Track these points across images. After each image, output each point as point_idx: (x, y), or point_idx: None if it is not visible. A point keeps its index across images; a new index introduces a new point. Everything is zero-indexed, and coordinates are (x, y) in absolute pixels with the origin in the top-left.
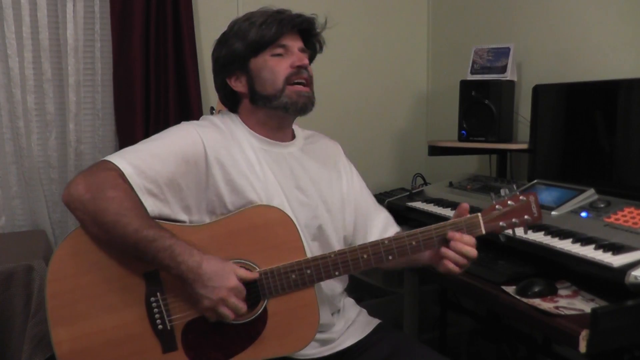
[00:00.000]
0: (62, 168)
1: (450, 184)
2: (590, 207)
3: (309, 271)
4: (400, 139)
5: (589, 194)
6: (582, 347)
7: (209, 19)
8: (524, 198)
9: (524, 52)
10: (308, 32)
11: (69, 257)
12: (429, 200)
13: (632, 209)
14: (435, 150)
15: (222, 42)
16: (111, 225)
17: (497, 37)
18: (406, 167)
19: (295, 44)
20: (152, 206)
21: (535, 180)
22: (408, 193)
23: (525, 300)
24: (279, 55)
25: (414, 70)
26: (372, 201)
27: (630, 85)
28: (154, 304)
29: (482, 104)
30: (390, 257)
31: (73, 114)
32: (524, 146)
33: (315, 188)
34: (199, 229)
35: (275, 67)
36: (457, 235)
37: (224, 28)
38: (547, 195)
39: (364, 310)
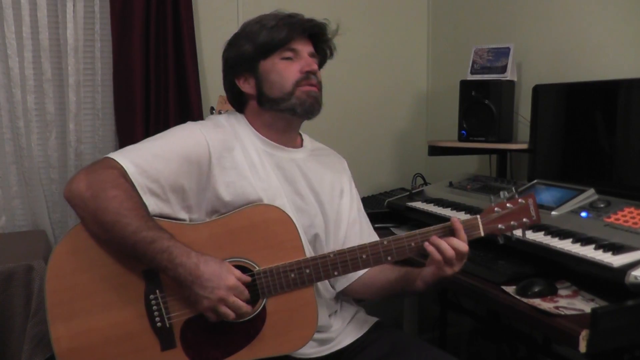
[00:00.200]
0: (62, 168)
1: (450, 184)
2: (590, 207)
3: (308, 270)
4: (400, 139)
5: (589, 194)
6: (582, 347)
7: (209, 19)
8: (523, 200)
9: (524, 52)
10: (318, 37)
11: (68, 254)
12: (429, 200)
13: (632, 209)
14: (435, 150)
15: (233, 43)
16: (110, 224)
17: (497, 37)
18: (406, 167)
19: (305, 48)
20: (153, 205)
21: (535, 180)
22: (408, 193)
23: (525, 300)
24: (288, 59)
25: (414, 70)
26: (367, 225)
27: (630, 85)
28: (153, 302)
29: (482, 104)
30: (389, 258)
31: (73, 114)
32: (524, 146)
33: (315, 197)
34: (199, 228)
35: (284, 70)
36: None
37: (224, 28)
38: (547, 195)
39: (362, 309)
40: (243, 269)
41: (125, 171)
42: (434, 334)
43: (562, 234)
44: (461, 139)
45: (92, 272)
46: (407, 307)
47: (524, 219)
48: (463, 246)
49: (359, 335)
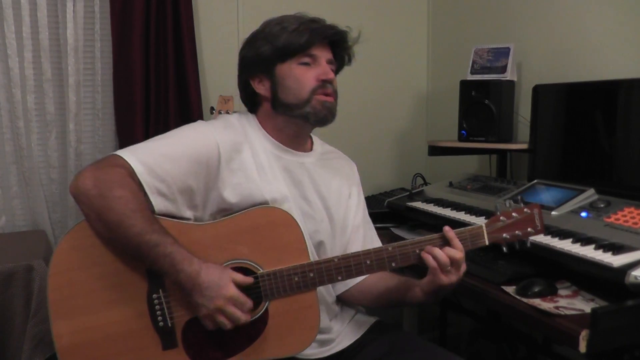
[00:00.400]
0: (62, 168)
1: (450, 184)
2: (590, 207)
3: (311, 274)
4: (400, 139)
5: (589, 194)
6: (582, 347)
7: (209, 19)
8: (528, 210)
9: (524, 52)
10: (338, 44)
11: (71, 251)
12: (429, 200)
13: (632, 209)
14: (435, 150)
15: (251, 41)
16: (115, 224)
17: (497, 37)
18: (406, 167)
19: (324, 54)
20: (159, 205)
21: (535, 180)
22: (408, 193)
23: (525, 300)
24: (305, 64)
25: (414, 70)
26: (371, 232)
27: (630, 85)
28: (156, 301)
29: (482, 104)
30: (393, 264)
31: (73, 114)
32: (524, 146)
33: (322, 203)
34: (203, 228)
35: (301, 76)
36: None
37: (224, 28)
38: (547, 195)
39: (362, 309)
40: (246, 270)
41: (132, 170)
42: (434, 334)
43: (562, 234)
44: (461, 139)
45: (95, 270)
46: (407, 307)
47: (529, 229)
48: (456, 253)
49: (359, 336)
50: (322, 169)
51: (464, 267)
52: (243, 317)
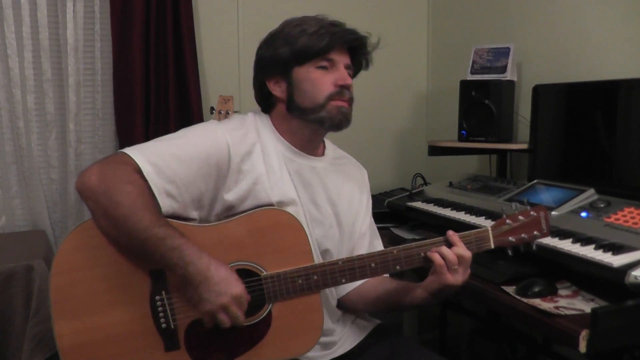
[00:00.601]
0: (62, 168)
1: (450, 184)
2: (590, 207)
3: (315, 277)
4: (400, 139)
5: (589, 194)
6: (582, 347)
7: (209, 19)
8: (535, 213)
9: (524, 52)
10: (356, 49)
11: (75, 251)
12: (429, 200)
13: (632, 209)
14: (435, 150)
15: (269, 42)
16: (122, 219)
17: (497, 37)
18: (406, 167)
19: (342, 59)
20: (166, 206)
21: (535, 180)
22: (408, 193)
23: (525, 300)
24: (323, 67)
25: (414, 70)
26: (377, 241)
27: (630, 85)
28: (159, 303)
29: (482, 104)
30: (397, 267)
31: (73, 114)
32: (524, 146)
33: (332, 209)
34: (207, 229)
35: (318, 81)
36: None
37: (224, 28)
38: (547, 195)
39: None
40: (250, 272)
41: (140, 169)
42: (434, 334)
43: (562, 234)
44: (461, 139)
45: (98, 270)
46: (406, 311)
47: (535, 232)
48: (465, 251)
49: (361, 339)
50: (333, 174)
51: (469, 271)
52: (243, 318)
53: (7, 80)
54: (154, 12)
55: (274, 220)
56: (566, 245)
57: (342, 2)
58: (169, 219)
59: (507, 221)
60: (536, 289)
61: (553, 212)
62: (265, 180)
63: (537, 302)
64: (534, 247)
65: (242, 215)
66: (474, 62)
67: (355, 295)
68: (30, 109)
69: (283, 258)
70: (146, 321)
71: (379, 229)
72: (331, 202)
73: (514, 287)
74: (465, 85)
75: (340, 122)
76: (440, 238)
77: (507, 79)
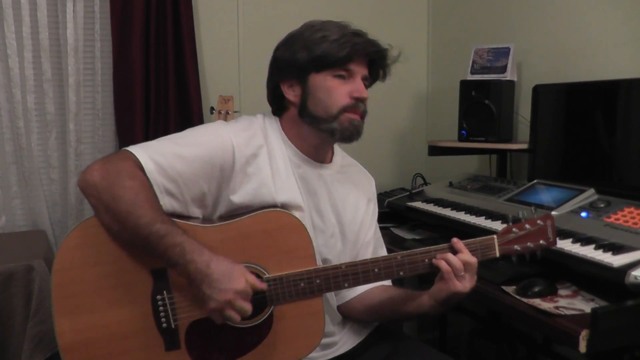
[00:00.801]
0: (62, 168)
1: (450, 184)
2: (590, 207)
3: (318, 281)
4: (400, 139)
5: (589, 194)
6: (582, 347)
7: (209, 19)
8: (541, 222)
9: (524, 52)
10: (376, 61)
11: (76, 249)
12: (429, 200)
13: (632, 209)
14: (435, 150)
15: (288, 44)
16: (124, 215)
17: (497, 37)
18: (406, 167)
19: (360, 70)
20: (167, 205)
21: (535, 180)
22: (408, 193)
23: (525, 300)
24: (340, 77)
25: (414, 70)
26: (381, 249)
27: (630, 85)
28: (160, 302)
29: (482, 104)
30: (401, 273)
31: (73, 114)
32: (524, 146)
33: (336, 218)
34: (210, 230)
35: (334, 91)
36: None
37: (224, 28)
38: (547, 195)
39: None
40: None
41: (142, 167)
42: (434, 334)
43: (562, 234)
44: (461, 139)
45: (100, 268)
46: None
47: (541, 241)
48: (470, 257)
49: (361, 339)
50: (340, 182)
51: (475, 277)
52: (250, 308)
53: (7, 80)
54: (154, 12)
55: (278, 223)
56: (566, 245)
57: (343, 2)
58: (171, 219)
59: (514, 229)
60: (536, 289)
61: (553, 212)
62: (270, 183)
63: (537, 302)
64: (539, 255)
65: (245, 216)
66: (474, 62)
67: (358, 302)
68: (30, 109)
69: (286, 261)
70: (147, 320)
71: (379, 229)
72: (335, 211)
73: (514, 287)
74: (465, 85)
75: (352, 134)
76: (445, 245)
77: (507, 79)
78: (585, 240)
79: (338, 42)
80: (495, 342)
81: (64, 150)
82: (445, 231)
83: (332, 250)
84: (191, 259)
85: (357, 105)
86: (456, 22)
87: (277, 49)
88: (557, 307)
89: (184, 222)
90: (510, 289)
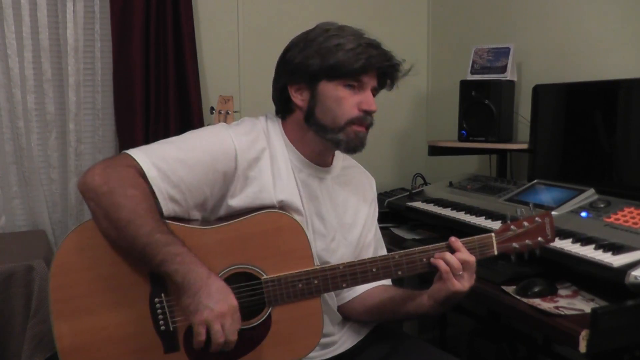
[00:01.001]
0: (62, 168)
1: (450, 184)
2: (590, 207)
3: (316, 281)
4: (400, 139)
5: (589, 194)
6: (582, 347)
7: (209, 19)
8: (539, 219)
9: (524, 52)
10: (387, 74)
11: (75, 251)
12: (429, 200)
13: (632, 209)
14: (435, 150)
15: (301, 47)
16: (124, 223)
17: (497, 37)
18: (406, 167)
19: (370, 82)
20: (170, 211)
21: (535, 180)
22: (408, 193)
23: (525, 300)
24: (351, 87)
25: (414, 70)
26: (381, 250)
27: (630, 85)
28: (158, 305)
29: (482, 104)
30: (399, 272)
31: (73, 114)
32: (524, 146)
33: (338, 221)
34: (208, 232)
35: (344, 100)
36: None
37: (224, 28)
38: (547, 195)
39: None
40: (250, 276)
41: (144, 173)
42: (434, 334)
43: (562, 234)
44: (461, 139)
45: (98, 271)
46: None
47: (540, 238)
48: (468, 256)
49: (360, 338)
50: (340, 185)
51: (474, 276)
52: (235, 337)
53: (7, 80)
54: (154, 12)
55: (276, 224)
56: (566, 245)
57: (343, 2)
58: (170, 222)
59: (512, 227)
60: (536, 289)
61: (553, 212)
62: (271, 187)
63: (537, 302)
64: (538, 253)
65: (244, 217)
66: (474, 62)
67: (358, 303)
68: (30, 109)
69: (284, 262)
70: (145, 323)
71: (379, 229)
72: (337, 214)
73: (514, 287)
74: (465, 85)
75: (356, 147)
76: (443, 244)
77: (507, 79)
78: (585, 240)
79: (354, 52)
80: (495, 342)
81: (64, 150)
82: (445, 231)
83: (332, 255)
84: (191, 268)
85: (365, 118)
86: (456, 22)
87: (289, 50)
88: (557, 307)
89: (182, 225)
90: (510, 289)
